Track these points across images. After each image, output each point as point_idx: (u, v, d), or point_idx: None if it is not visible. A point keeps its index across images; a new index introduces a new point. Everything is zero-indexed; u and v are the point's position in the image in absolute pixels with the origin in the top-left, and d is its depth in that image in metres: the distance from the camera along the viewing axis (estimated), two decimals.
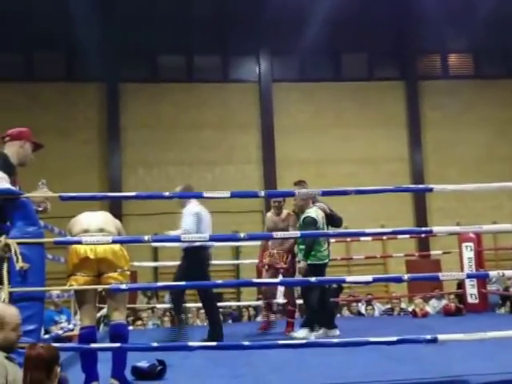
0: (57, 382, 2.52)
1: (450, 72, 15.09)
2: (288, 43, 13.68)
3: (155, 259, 11.89)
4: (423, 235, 11.26)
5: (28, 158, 3.84)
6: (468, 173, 13.26)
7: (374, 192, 4.25)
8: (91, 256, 3.64)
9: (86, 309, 3.77)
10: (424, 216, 13.95)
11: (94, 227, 3.78)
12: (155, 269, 12.36)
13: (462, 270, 8.05)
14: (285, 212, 6.47)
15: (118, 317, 3.76)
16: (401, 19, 14.54)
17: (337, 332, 5.76)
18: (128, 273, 3.78)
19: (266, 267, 6.29)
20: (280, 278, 6.17)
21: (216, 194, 3.87)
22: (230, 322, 9.42)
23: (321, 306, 5.72)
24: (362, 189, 4.07)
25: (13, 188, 3.52)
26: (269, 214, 6.61)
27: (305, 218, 5.85)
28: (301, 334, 5.57)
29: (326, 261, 5.97)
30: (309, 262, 5.75)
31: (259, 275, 6.48)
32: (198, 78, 14.10)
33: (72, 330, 6.80)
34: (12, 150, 3.75)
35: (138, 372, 4.01)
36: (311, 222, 5.83)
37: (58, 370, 2.54)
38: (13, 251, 3.34)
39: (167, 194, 4.00)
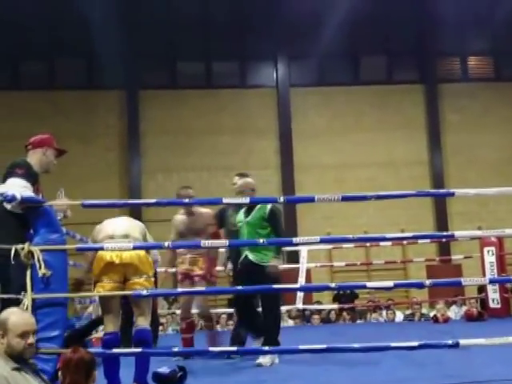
0: None
1: (470, 75, 14.95)
2: (305, 47, 13.69)
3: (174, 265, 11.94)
4: (444, 240, 11.15)
5: (51, 164, 3.87)
6: (488, 176, 13.12)
7: (394, 197, 4.21)
8: (116, 261, 3.69)
9: (110, 315, 3.80)
10: (445, 220, 13.82)
11: (118, 233, 3.83)
12: (175, 274, 12.41)
13: (483, 274, 7.97)
14: (199, 211, 5.25)
15: (143, 322, 3.78)
16: (420, 21, 14.45)
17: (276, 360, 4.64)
18: (152, 279, 3.85)
19: (180, 277, 5.30)
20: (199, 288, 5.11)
21: (235, 200, 3.89)
22: None
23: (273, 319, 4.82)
24: (381, 194, 4.04)
25: (35, 196, 3.56)
26: (178, 217, 5.33)
27: (272, 208, 4.75)
28: (268, 359, 4.50)
29: None
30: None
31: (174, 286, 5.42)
32: (216, 83, 14.17)
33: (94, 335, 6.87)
34: (35, 158, 3.79)
35: (159, 378, 4.03)
36: (280, 213, 4.93)
37: (96, 374, 2.56)
38: (36, 258, 3.38)
39: (187, 200, 4.03)
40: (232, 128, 13.82)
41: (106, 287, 3.71)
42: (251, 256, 4.66)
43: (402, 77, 14.65)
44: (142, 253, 3.78)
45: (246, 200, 3.91)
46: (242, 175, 5.33)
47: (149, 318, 3.88)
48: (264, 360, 4.47)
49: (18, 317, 2.67)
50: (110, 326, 3.79)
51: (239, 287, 4.21)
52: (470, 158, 14.04)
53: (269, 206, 4.73)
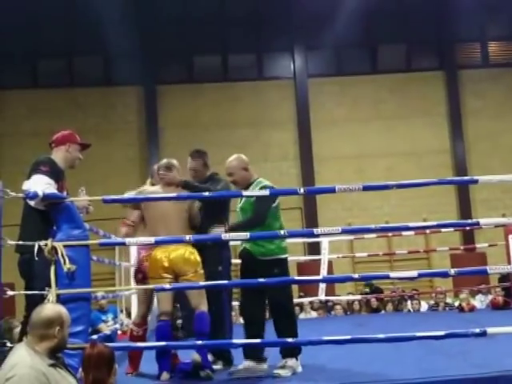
0: (115, 379, 2.53)
1: (491, 60, 14.70)
2: (322, 37, 13.58)
3: None
4: (468, 228, 11.01)
5: (76, 160, 3.90)
6: (511, 162, 12.90)
7: (416, 185, 4.16)
8: (166, 263, 4.04)
9: (163, 305, 4.14)
10: (468, 208, 13.65)
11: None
12: None
13: (508, 262, 7.84)
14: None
15: (202, 307, 4.10)
16: (438, 7, 14.24)
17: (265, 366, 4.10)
18: (202, 272, 4.13)
19: (140, 276, 4.48)
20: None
21: (255, 193, 3.87)
22: None
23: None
24: (403, 183, 3.99)
25: (57, 193, 3.59)
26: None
27: (260, 188, 4.16)
28: (287, 370, 3.96)
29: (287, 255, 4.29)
30: (281, 254, 4.19)
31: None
32: (233, 76, 14.15)
33: (120, 329, 6.93)
34: (59, 155, 3.82)
35: (182, 371, 4.06)
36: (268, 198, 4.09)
37: (117, 367, 2.56)
38: (59, 254, 3.41)
39: (207, 194, 4.02)
40: (250, 120, 13.80)
41: (159, 283, 4.00)
42: (249, 247, 4.20)
43: (421, 64, 14.46)
44: (186, 253, 4.07)
45: (266, 192, 3.88)
46: (197, 153, 4.67)
47: (205, 302, 4.14)
48: (283, 371, 3.90)
49: (64, 310, 2.78)
50: (163, 316, 4.14)
51: (261, 280, 4.15)
52: (492, 145, 13.82)
53: (260, 186, 4.16)
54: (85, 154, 4.00)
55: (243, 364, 4.03)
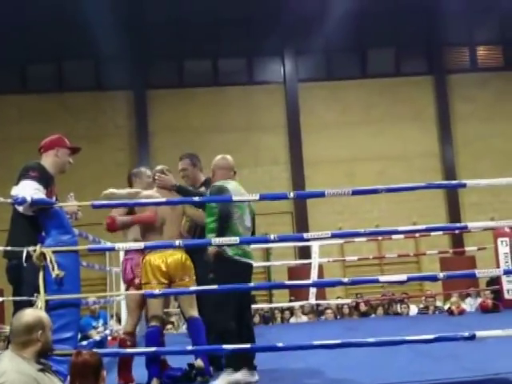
0: None
1: (479, 64, 14.83)
2: (312, 42, 13.63)
3: None
4: (457, 231, 11.07)
5: (66, 164, 3.87)
6: (501, 166, 12.99)
7: (405, 189, 4.17)
8: (163, 268, 4.07)
9: (154, 311, 4.18)
10: (457, 212, 13.73)
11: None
12: None
13: (497, 265, 7.90)
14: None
15: (193, 313, 4.16)
16: (427, 12, 14.33)
17: (256, 376, 3.88)
18: (194, 277, 4.20)
19: (137, 281, 4.29)
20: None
21: (245, 197, 3.87)
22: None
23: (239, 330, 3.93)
24: (392, 187, 4.01)
25: (46, 198, 3.57)
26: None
27: (211, 189, 4.11)
28: (221, 381, 3.80)
29: (250, 261, 4.04)
30: (230, 253, 3.93)
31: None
32: (223, 81, 14.16)
33: (110, 335, 6.90)
34: (48, 161, 3.80)
35: (172, 378, 4.05)
36: (218, 192, 4.01)
37: (105, 373, 2.55)
38: (48, 260, 3.39)
39: (197, 198, 4.01)
40: (240, 125, 13.81)
41: (154, 288, 4.01)
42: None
43: (410, 69, 14.55)
44: (183, 259, 4.13)
45: (256, 197, 3.88)
46: (185, 155, 4.74)
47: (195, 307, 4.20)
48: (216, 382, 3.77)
49: (43, 313, 2.80)
50: (154, 321, 4.17)
51: (251, 284, 4.14)
52: (481, 149, 13.92)
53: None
54: (74, 158, 3.98)
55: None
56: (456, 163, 14.08)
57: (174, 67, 14.23)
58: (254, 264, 4.17)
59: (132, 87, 13.79)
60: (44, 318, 2.71)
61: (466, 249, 11.07)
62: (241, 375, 3.79)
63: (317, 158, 13.77)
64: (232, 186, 4.06)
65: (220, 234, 3.84)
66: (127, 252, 4.43)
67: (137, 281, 4.29)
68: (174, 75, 14.21)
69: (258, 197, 3.82)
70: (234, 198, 3.85)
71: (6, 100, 13.37)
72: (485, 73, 14.52)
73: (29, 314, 2.68)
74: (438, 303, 9.78)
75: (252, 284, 3.72)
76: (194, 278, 4.20)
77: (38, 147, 3.91)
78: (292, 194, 4.01)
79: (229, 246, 3.84)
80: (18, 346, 2.58)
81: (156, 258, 4.10)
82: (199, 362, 3.98)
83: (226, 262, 3.91)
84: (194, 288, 4.08)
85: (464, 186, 4.08)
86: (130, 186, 4.63)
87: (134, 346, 4.31)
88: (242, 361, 3.80)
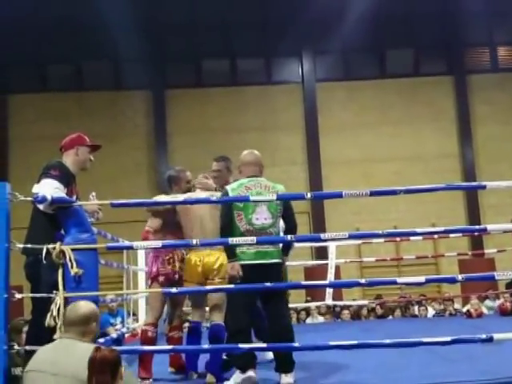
0: (122, 382, 2.55)
1: (500, 65, 14.66)
2: (330, 42, 13.60)
3: None
4: (476, 233, 10.97)
5: (86, 162, 3.92)
6: None
7: (424, 191, 4.14)
8: (199, 269, 4.22)
9: (197, 308, 4.41)
10: (477, 213, 13.60)
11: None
12: None
13: None
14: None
15: (216, 318, 4.25)
16: (447, 12, 14.23)
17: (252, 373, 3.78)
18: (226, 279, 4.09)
19: (162, 279, 4.39)
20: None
21: (262, 197, 3.87)
22: None
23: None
24: (411, 188, 3.98)
25: (66, 197, 3.61)
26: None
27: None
28: (233, 381, 3.82)
29: (245, 262, 3.88)
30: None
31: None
32: (241, 81, 14.19)
33: (127, 332, 6.96)
34: (69, 159, 3.86)
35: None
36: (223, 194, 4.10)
37: (123, 370, 2.58)
38: (67, 257, 3.43)
39: (214, 198, 4.03)
40: (258, 125, 13.83)
41: (190, 286, 4.23)
42: None
43: (429, 69, 14.44)
44: (220, 259, 4.17)
45: (273, 197, 3.88)
46: (221, 158, 4.83)
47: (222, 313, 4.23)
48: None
49: (95, 306, 2.93)
50: (197, 316, 4.40)
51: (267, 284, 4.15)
52: (501, 150, 13.78)
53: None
54: (93, 157, 4.02)
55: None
56: (475, 164, 13.95)
57: (192, 67, 14.30)
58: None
59: (150, 87, 13.88)
60: (97, 310, 2.87)
61: (486, 251, 10.95)
62: (247, 375, 3.74)
63: (334, 158, 13.74)
64: (236, 185, 3.99)
65: (223, 235, 3.86)
66: (153, 249, 4.45)
67: (160, 278, 4.36)
68: (192, 75, 14.28)
69: (275, 197, 3.83)
70: (251, 199, 3.86)
71: (25, 99, 13.56)
72: (505, 73, 14.37)
73: (85, 306, 2.79)
74: (457, 305, 9.69)
75: (268, 284, 3.72)
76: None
77: (57, 146, 3.96)
78: (309, 195, 4.01)
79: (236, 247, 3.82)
80: (75, 335, 2.69)
81: (194, 257, 4.23)
82: (210, 379, 3.99)
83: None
84: (194, 288, 4.18)
85: (484, 187, 4.02)
86: (170, 188, 4.67)
87: (155, 337, 4.37)
88: (250, 361, 3.77)
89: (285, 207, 3.99)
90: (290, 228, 4.03)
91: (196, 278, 4.23)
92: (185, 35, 13.99)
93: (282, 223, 4.27)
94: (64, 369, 2.51)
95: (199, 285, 4.21)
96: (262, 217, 3.90)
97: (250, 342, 3.82)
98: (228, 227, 3.87)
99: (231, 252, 3.86)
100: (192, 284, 4.23)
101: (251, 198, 3.83)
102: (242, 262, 3.83)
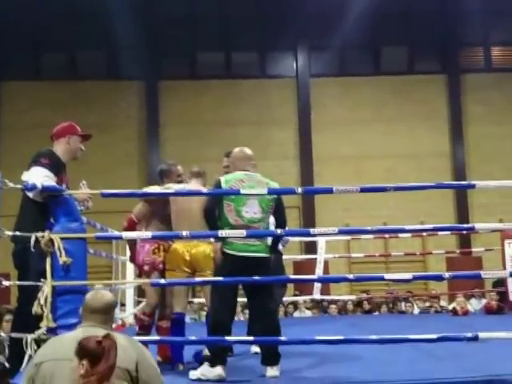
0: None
1: (494, 65, 14.71)
2: (326, 38, 13.58)
3: None
4: (464, 232, 11.04)
5: (77, 151, 3.92)
6: (511, 168, 12.93)
7: (414, 188, 4.18)
8: (187, 258, 4.23)
9: (179, 298, 4.35)
10: (465, 212, 13.68)
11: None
12: None
13: (504, 267, 7.87)
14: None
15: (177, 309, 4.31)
16: (442, 11, 14.25)
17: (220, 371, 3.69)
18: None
19: (147, 268, 4.44)
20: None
21: (253, 191, 3.88)
22: None
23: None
24: (401, 185, 4.02)
25: (56, 185, 3.60)
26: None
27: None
28: (199, 372, 3.74)
29: (234, 252, 3.86)
30: (224, 248, 3.88)
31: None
32: (236, 74, 14.15)
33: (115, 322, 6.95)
34: (60, 148, 3.85)
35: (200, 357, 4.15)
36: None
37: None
38: (56, 246, 3.42)
39: (205, 190, 4.03)
40: (252, 118, 13.81)
41: (177, 276, 4.22)
42: None
43: (423, 67, 14.47)
44: (207, 250, 4.18)
45: (264, 191, 3.89)
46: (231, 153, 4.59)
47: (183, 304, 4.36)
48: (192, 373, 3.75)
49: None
50: (180, 307, 4.35)
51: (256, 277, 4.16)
52: (493, 150, 13.84)
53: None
54: (84, 146, 4.01)
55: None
56: (466, 164, 14.02)
57: (187, 59, 14.25)
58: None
59: (144, 78, 13.82)
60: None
61: (473, 249, 11.03)
62: (215, 371, 3.68)
63: (326, 154, 13.75)
64: (230, 177, 3.99)
65: (210, 227, 3.88)
66: (141, 240, 4.48)
67: (145, 268, 4.40)
68: (187, 67, 14.23)
69: (265, 191, 3.84)
70: (242, 192, 3.86)
71: (19, 86, 13.46)
72: (499, 73, 14.41)
73: (108, 295, 2.76)
74: (443, 303, 9.76)
75: (256, 277, 3.73)
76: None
77: (49, 135, 3.95)
78: (300, 190, 4.03)
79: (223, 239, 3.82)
80: (101, 322, 2.64)
81: (181, 247, 4.24)
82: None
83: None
84: (184, 280, 4.18)
85: (473, 186, 4.07)
86: (162, 181, 4.68)
87: (150, 326, 4.45)
88: (220, 357, 3.72)
89: (277, 204, 3.99)
90: (280, 225, 4.04)
91: (182, 267, 4.23)
92: (180, 27, 13.92)
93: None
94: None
95: (185, 275, 4.21)
96: (251, 210, 3.90)
97: (229, 335, 3.79)
98: (211, 211, 3.87)
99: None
100: (176, 274, 4.23)
101: (242, 191, 3.84)
102: (233, 252, 3.82)
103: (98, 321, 2.63)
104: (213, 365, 3.69)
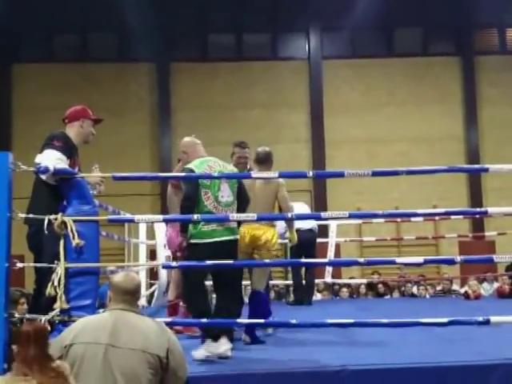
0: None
1: (508, 47, 14.49)
2: (338, 19, 13.42)
3: None
4: (477, 216, 10.97)
5: (89, 135, 3.94)
6: None
7: (426, 172, 4.15)
8: (246, 240, 4.48)
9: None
10: (479, 196, 13.58)
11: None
12: None
13: None
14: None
15: (255, 286, 4.59)
16: None
17: (226, 346, 3.75)
18: (274, 252, 4.53)
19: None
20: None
21: (264, 174, 3.87)
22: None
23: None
24: (413, 169, 3.98)
25: (69, 168, 3.62)
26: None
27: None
28: (200, 352, 3.68)
29: (209, 240, 3.91)
30: (196, 239, 3.94)
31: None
32: (247, 56, 14.07)
33: None
34: (73, 131, 3.86)
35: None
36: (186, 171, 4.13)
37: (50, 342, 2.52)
38: (69, 228, 3.44)
39: (216, 174, 4.03)
40: (263, 101, 13.74)
41: (247, 258, 4.47)
42: None
43: (437, 49, 14.29)
44: (267, 232, 4.49)
45: (275, 174, 3.88)
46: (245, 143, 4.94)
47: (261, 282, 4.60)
48: (196, 352, 3.65)
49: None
50: (260, 286, 4.61)
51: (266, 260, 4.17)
52: (507, 133, 13.69)
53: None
54: (96, 129, 4.02)
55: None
56: (480, 147, 13.88)
57: (198, 41, 14.17)
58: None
59: (156, 60, 13.78)
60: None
61: (486, 234, 10.97)
62: (220, 344, 3.70)
63: (338, 137, 13.68)
64: (198, 164, 4.04)
65: (185, 213, 3.86)
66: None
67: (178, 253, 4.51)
68: (198, 49, 14.16)
69: (277, 174, 3.83)
70: (253, 175, 3.86)
71: (30, 69, 13.49)
72: None
73: (137, 277, 2.81)
74: (455, 287, 9.74)
75: (268, 260, 3.74)
76: (275, 253, 4.53)
77: (61, 117, 3.95)
78: (311, 173, 4.01)
79: (193, 224, 3.88)
80: (131, 304, 2.65)
81: (244, 230, 4.46)
82: (245, 338, 4.33)
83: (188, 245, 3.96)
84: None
85: (486, 170, 4.02)
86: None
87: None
88: (220, 331, 3.77)
89: (239, 186, 4.12)
90: (243, 208, 4.18)
91: (244, 248, 4.44)
92: (192, 8, 13.82)
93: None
94: (130, 342, 2.45)
95: (245, 256, 4.46)
96: (226, 194, 4.02)
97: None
98: (192, 199, 3.89)
99: (185, 227, 3.94)
100: (246, 255, 4.47)
101: (253, 175, 3.85)
102: (215, 239, 3.88)
103: (129, 302, 2.63)
104: (215, 339, 3.69)
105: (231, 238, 3.96)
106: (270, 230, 4.53)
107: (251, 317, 4.33)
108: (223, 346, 3.69)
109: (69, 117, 3.90)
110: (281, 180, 4.60)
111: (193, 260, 3.83)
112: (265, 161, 4.76)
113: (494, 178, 13.13)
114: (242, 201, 4.16)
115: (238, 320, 3.87)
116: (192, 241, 3.92)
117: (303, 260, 5.24)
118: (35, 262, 3.57)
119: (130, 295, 2.65)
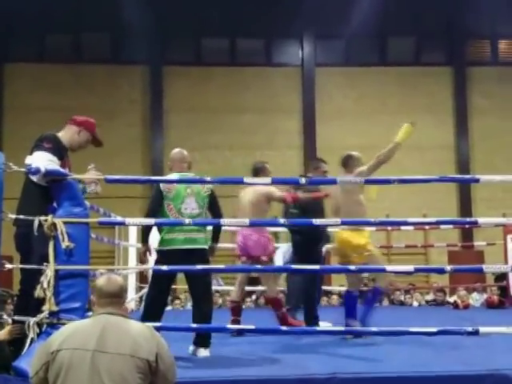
0: None
1: (500, 58, 14.62)
2: (332, 27, 13.48)
3: None
4: (467, 226, 11.02)
5: (80, 146, 3.94)
6: None
7: (417, 181, 4.17)
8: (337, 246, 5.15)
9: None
10: (468, 206, 13.65)
11: None
12: None
13: (506, 262, 7.87)
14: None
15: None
16: (450, 2, 14.12)
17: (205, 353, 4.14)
18: (367, 253, 5.00)
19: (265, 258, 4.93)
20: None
21: (257, 180, 3.87)
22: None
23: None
24: (404, 178, 4.01)
25: (60, 169, 3.59)
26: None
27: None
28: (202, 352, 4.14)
29: (167, 247, 4.19)
30: (161, 246, 4.27)
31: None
32: (241, 61, 14.08)
33: None
34: (68, 134, 3.85)
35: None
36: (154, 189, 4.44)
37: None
38: (59, 230, 3.42)
39: (209, 178, 4.02)
40: (256, 106, 13.75)
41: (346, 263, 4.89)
42: None
43: (430, 59, 14.39)
44: (349, 237, 5.14)
45: (268, 180, 3.89)
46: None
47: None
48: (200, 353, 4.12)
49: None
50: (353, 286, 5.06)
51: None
52: (497, 144, 13.79)
53: None
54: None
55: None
56: (470, 157, 13.97)
57: (192, 44, 14.16)
58: None
59: (149, 62, 13.75)
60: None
61: (475, 243, 11.02)
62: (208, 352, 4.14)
63: (330, 144, 13.67)
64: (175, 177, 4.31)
65: (146, 227, 4.25)
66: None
67: (264, 258, 4.74)
68: (192, 52, 14.16)
69: (269, 181, 3.83)
70: (246, 180, 3.85)
71: (22, 68, 13.41)
72: (505, 67, 14.32)
73: (120, 278, 2.73)
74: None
75: (258, 266, 3.74)
76: (367, 253, 4.98)
77: (52, 117, 3.96)
78: (304, 180, 4.01)
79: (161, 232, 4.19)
80: (117, 307, 2.59)
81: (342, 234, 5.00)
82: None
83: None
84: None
85: (477, 181, 4.05)
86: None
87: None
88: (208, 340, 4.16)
89: (211, 199, 4.31)
90: (218, 218, 4.30)
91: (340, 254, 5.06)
92: (186, 11, 13.80)
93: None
94: (118, 347, 2.42)
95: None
96: (190, 207, 4.23)
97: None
98: (154, 213, 4.15)
99: (145, 237, 4.28)
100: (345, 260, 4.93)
101: (245, 180, 3.85)
102: (173, 247, 4.12)
103: (114, 305, 2.58)
104: (206, 347, 4.10)
105: (190, 247, 4.13)
106: (351, 234, 5.05)
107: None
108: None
109: (75, 120, 3.92)
110: None
111: (156, 265, 4.12)
112: (346, 164, 5.68)
113: (484, 188, 13.20)
114: (215, 214, 4.36)
115: (229, 326, 3.84)
116: (157, 248, 4.25)
117: (294, 266, 5.23)
118: (21, 262, 3.53)
119: (114, 298, 2.61)
